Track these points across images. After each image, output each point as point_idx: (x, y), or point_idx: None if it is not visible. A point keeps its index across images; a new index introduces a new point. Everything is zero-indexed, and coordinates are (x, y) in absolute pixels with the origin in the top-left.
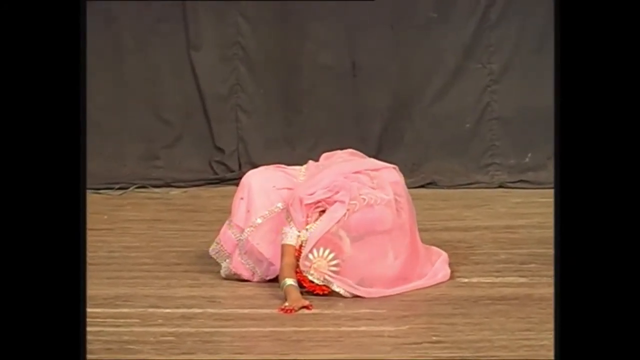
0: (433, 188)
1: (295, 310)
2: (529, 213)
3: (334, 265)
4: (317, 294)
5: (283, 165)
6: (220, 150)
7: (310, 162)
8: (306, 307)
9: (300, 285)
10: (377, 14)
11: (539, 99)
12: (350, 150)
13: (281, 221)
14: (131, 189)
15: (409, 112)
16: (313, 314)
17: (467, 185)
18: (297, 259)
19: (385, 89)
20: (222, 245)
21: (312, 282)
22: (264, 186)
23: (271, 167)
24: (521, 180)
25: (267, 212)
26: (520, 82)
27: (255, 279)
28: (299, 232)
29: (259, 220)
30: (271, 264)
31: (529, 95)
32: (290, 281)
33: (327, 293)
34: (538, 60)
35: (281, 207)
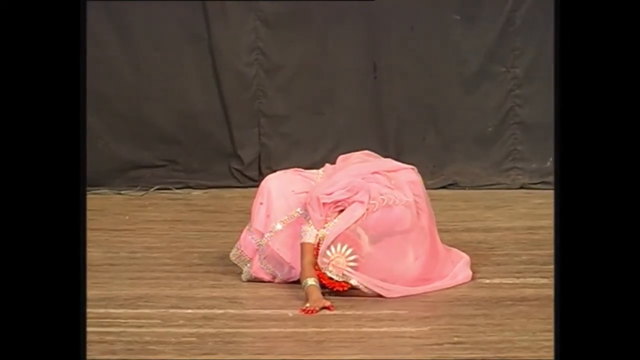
0: (454, 189)
1: (317, 311)
2: (550, 214)
3: (353, 261)
4: (337, 291)
5: (301, 169)
6: (240, 158)
7: (327, 164)
8: (327, 307)
9: (320, 284)
10: (398, 15)
11: None
12: (366, 151)
13: (301, 226)
14: (152, 189)
15: (431, 114)
16: (334, 314)
17: (489, 186)
18: (316, 257)
19: (407, 90)
20: (242, 251)
21: (330, 278)
22: (283, 190)
23: (289, 171)
24: (542, 182)
25: (286, 217)
26: (544, 87)
27: (277, 281)
28: (318, 230)
29: (279, 226)
30: (292, 267)
31: (553, 101)
32: (311, 281)
33: (346, 289)
34: None
35: (300, 212)
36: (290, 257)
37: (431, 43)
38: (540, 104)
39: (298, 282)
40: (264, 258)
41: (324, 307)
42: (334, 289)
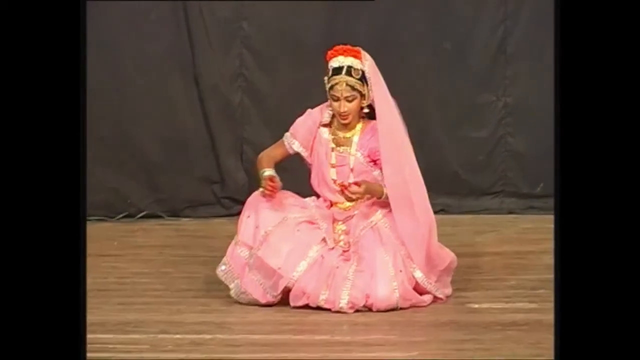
0: (443, 214)
1: (268, 190)
2: (538, 239)
3: None
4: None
5: (291, 192)
6: (227, 184)
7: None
8: (271, 179)
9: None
10: (387, 43)
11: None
12: None
13: (290, 230)
14: (140, 215)
15: (421, 141)
16: (323, 340)
17: (477, 211)
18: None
19: None
20: (230, 266)
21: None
22: (272, 203)
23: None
24: (531, 207)
25: (276, 224)
26: (535, 115)
27: (265, 300)
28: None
29: (270, 228)
30: (280, 276)
31: (544, 129)
32: (268, 172)
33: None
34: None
35: (289, 217)
36: (280, 263)
37: (422, 71)
38: (531, 133)
39: (287, 303)
40: (255, 269)
41: (269, 180)
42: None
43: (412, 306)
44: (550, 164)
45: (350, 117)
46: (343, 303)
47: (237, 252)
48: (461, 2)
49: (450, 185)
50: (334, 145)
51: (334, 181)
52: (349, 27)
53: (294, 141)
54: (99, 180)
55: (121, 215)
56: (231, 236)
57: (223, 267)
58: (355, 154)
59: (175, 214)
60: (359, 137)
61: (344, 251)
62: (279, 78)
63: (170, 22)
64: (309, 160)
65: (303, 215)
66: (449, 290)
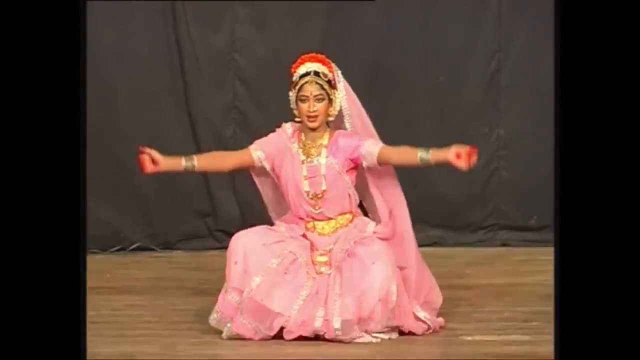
0: (436, 247)
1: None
2: (532, 271)
3: None
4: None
5: (267, 226)
6: (219, 217)
7: None
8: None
9: None
10: (381, 77)
11: (548, 165)
12: None
13: (280, 277)
14: (132, 247)
15: (414, 173)
16: None
17: (470, 243)
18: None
19: None
20: (222, 314)
21: None
22: (254, 245)
23: (256, 227)
24: (525, 240)
25: (264, 271)
26: (529, 148)
27: (258, 338)
28: None
29: (258, 279)
30: (275, 316)
31: (538, 162)
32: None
33: None
34: (548, 127)
35: (276, 263)
36: (274, 305)
37: (415, 103)
38: (524, 165)
39: (281, 336)
40: (248, 312)
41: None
42: None
43: (406, 331)
44: (544, 196)
45: (318, 120)
46: (336, 322)
47: (227, 299)
48: (454, 34)
49: (444, 218)
50: (304, 158)
51: (307, 193)
52: (342, 58)
53: (258, 151)
54: (92, 213)
55: (115, 249)
56: (222, 269)
57: (215, 316)
58: (326, 161)
59: (168, 246)
60: (328, 143)
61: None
62: (271, 110)
63: (163, 55)
64: (271, 173)
65: (286, 250)
66: (440, 321)
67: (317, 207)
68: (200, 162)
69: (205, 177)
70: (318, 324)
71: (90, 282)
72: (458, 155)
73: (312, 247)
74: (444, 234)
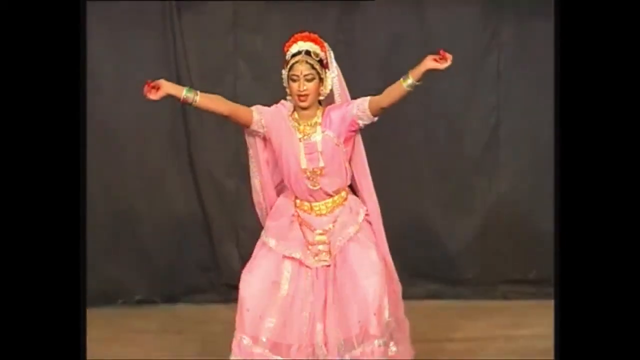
0: (435, 299)
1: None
2: (531, 324)
3: None
4: None
5: (264, 252)
6: (223, 271)
7: None
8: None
9: None
10: (381, 126)
11: (548, 219)
12: None
13: (290, 311)
14: (135, 299)
15: (414, 225)
16: None
17: (469, 296)
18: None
19: (390, 202)
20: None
21: None
22: (264, 287)
23: (258, 265)
24: (524, 293)
25: (276, 310)
26: (529, 201)
27: None
28: None
29: (272, 322)
30: (298, 346)
31: (537, 216)
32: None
33: None
34: (547, 181)
35: (284, 294)
36: (294, 338)
37: (417, 155)
38: (523, 218)
39: None
40: (268, 349)
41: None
42: None
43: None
44: (543, 249)
45: (308, 100)
46: (332, 336)
47: (243, 345)
48: (455, 86)
49: (442, 271)
50: (300, 136)
51: (305, 170)
52: None
53: (260, 115)
54: (94, 267)
55: (118, 303)
56: (227, 322)
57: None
58: (322, 136)
59: (171, 300)
60: (322, 120)
61: (327, 266)
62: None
63: (165, 107)
64: (262, 141)
65: (287, 273)
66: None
67: (316, 184)
68: (202, 98)
69: (208, 230)
70: (319, 338)
71: (93, 335)
72: (435, 60)
73: (310, 227)
74: (442, 287)
